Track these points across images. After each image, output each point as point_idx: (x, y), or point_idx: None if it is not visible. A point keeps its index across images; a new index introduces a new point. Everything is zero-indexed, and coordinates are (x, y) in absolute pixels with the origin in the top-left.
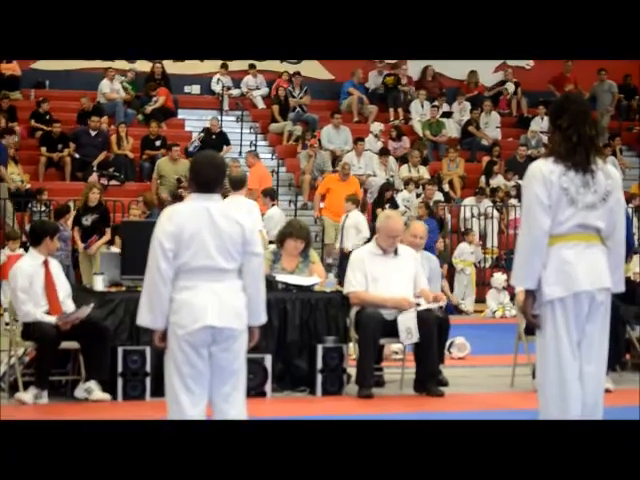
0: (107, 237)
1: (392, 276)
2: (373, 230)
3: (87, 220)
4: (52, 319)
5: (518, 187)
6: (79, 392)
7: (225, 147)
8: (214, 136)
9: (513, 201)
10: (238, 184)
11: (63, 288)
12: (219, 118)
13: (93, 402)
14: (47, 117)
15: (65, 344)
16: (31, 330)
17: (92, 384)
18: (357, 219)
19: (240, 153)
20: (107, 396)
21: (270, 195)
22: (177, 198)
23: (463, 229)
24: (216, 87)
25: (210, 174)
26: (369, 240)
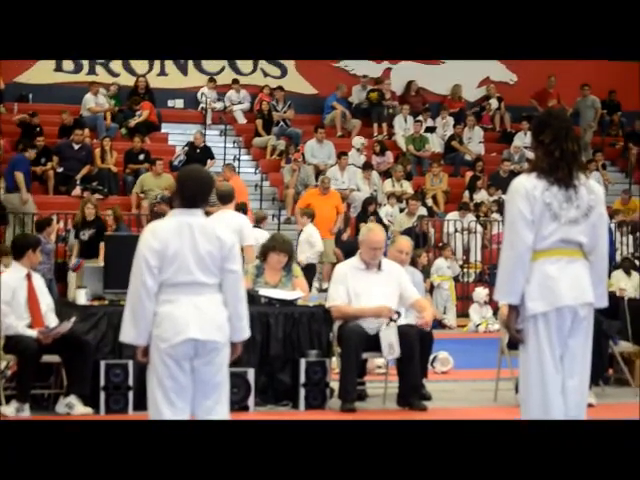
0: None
1: (374, 291)
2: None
3: (84, 235)
4: (33, 333)
5: (499, 202)
6: (60, 407)
7: (209, 161)
8: (198, 150)
9: (495, 216)
10: (226, 198)
11: (45, 302)
12: (203, 132)
13: (75, 416)
14: (37, 130)
15: (47, 358)
16: (12, 343)
17: (73, 399)
18: (310, 232)
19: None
20: (89, 410)
21: (242, 210)
22: (154, 214)
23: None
24: (202, 100)
25: (195, 189)
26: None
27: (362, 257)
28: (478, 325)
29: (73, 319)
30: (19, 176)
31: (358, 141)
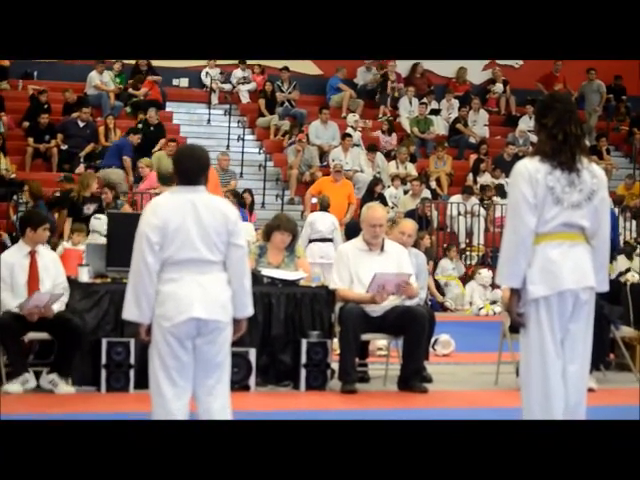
0: None
1: (374, 273)
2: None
3: (89, 209)
4: (13, 306)
5: (498, 186)
6: (44, 382)
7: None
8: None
9: (497, 199)
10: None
11: (51, 278)
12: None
13: (78, 394)
14: (45, 107)
15: (32, 335)
16: None
17: (55, 376)
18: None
19: (227, 147)
20: (71, 389)
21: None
22: None
23: (448, 228)
24: (205, 80)
25: (191, 165)
26: None
27: (364, 237)
28: (481, 308)
29: (47, 290)
30: (127, 161)
31: (352, 118)
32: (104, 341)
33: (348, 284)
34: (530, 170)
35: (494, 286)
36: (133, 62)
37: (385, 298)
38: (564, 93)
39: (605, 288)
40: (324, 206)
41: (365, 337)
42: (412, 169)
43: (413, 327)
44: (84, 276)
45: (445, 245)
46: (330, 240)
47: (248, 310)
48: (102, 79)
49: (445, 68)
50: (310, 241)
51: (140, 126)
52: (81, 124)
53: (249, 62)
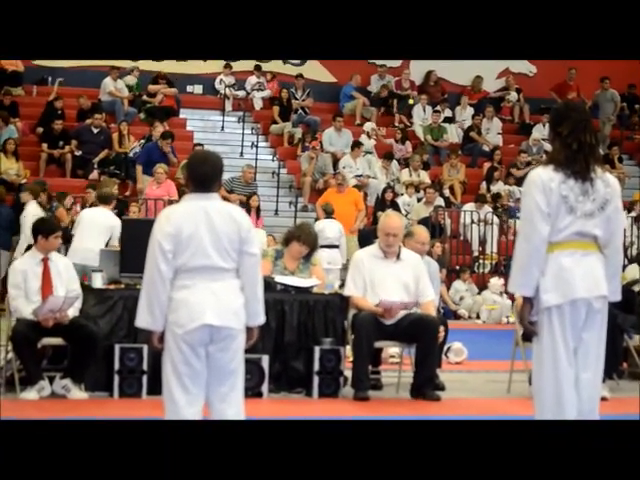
0: None
1: (389, 281)
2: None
3: None
4: (28, 312)
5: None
6: (57, 387)
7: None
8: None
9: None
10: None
11: (64, 285)
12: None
13: (91, 400)
14: (59, 113)
15: (46, 340)
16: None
17: (69, 382)
18: (321, 227)
19: (241, 154)
20: (84, 395)
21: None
22: None
23: (462, 236)
24: (219, 87)
25: (206, 172)
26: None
27: (380, 245)
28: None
29: (62, 294)
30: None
31: (369, 126)
32: (117, 347)
33: (362, 292)
34: (544, 179)
35: (507, 294)
36: (151, 69)
37: (394, 316)
38: (579, 102)
39: (617, 297)
40: (329, 212)
41: (378, 345)
42: (425, 177)
43: (426, 335)
44: (98, 282)
45: (458, 267)
46: (337, 247)
47: (260, 318)
48: (116, 85)
49: (459, 76)
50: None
51: (143, 142)
52: (95, 130)
53: (263, 69)
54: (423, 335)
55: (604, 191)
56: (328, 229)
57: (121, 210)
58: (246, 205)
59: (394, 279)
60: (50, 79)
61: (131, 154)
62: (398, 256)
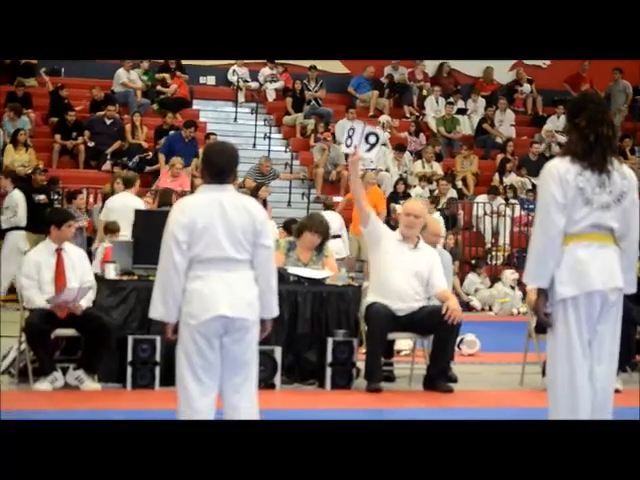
0: None
1: (402, 266)
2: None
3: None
4: (41, 302)
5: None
6: (70, 379)
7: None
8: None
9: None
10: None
11: (78, 276)
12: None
13: (104, 391)
14: (65, 102)
15: (60, 331)
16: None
17: (81, 373)
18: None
19: (254, 145)
20: (97, 386)
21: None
22: None
23: (474, 228)
24: (232, 79)
25: (221, 163)
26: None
27: (400, 230)
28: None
29: (76, 285)
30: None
31: (385, 118)
32: (130, 338)
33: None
34: (560, 170)
35: (520, 286)
36: (161, 60)
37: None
38: (596, 94)
39: (633, 290)
40: (328, 205)
41: (392, 336)
42: (438, 168)
43: (443, 327)
44: (111, 273)
45: (472, 260)
46: (339, 236)
47: (274, 311)
48: (129, 77)
49: (472, 68)
50: None
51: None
52: (108, 121)
53: (276, 61)
54: (440, 327)
55: (621, 183)
56: (330, 220)
57: (165, 199)
58: (255, 196)
59: (406, 266)
60: (63, 70)
61: (130, 164)
62: (416, 245)
